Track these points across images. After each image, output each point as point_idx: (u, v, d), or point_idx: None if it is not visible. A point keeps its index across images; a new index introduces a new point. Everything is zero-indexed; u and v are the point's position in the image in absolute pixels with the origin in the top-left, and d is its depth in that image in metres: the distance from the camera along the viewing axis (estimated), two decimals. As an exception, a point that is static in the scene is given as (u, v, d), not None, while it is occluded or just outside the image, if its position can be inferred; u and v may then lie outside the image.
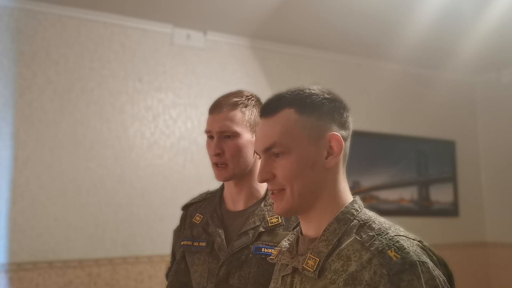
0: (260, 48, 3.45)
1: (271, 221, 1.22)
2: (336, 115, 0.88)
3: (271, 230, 1.21)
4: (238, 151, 1.23)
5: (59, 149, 2.79)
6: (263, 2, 2.83)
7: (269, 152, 0.88)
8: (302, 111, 0.87)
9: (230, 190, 1.31)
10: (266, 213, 1.24)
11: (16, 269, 2.61)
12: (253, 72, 3.40)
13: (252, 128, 1.26)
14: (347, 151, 0.91)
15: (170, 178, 3.04)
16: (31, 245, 2.66)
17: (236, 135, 1.23)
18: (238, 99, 1.26)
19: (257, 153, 0.92)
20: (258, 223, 1.22)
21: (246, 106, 1.26)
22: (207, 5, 2.88)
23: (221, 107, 1.25)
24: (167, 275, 1.38)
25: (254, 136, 1.26)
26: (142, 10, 2.95)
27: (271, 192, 0.90)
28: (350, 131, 0.91)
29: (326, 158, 0.86)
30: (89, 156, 2.86)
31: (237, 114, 1.24)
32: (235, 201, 1.30)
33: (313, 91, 0.89)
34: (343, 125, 0.89)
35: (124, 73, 3.02)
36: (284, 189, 0.87)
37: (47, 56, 2.83)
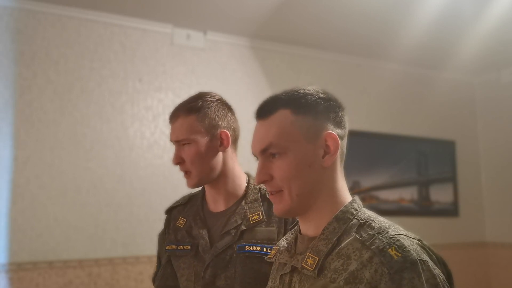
0: (260, 48, 3.45)
1: (253, 218, 1.22)
2: (331, 114, 0.88)
3: (253, 227, 1.22)
4: (196, 157, 1.23)
5: (59, 149, 2.79)
6: (263, 2, 2.83)
7: (266, 153, 0.88)
8: (297, 111, 0.87)
9: (209, 192, 1.32)
10: (248, 210, 1.24)
11: (16, 269, 2.61)
12: (253, 72, 3.40)
13: (209, 131, 1.25)
14: (344, 149, 0.91)
15: (170, 178, 3.03)
16: (31, 245, 2.66)
17: (191, 142, 1.23)
18: (193, 104, 1.26)
19: (254, 155, 0.92)
20: (240, 222, 1.22)
21: (198, 111, 1.25)
22: (207, 5, 2.88)
23: (175, 116, 1.27)
24: (153, 280, 1.37)
25: (213, 139, 1.24)
26: (142, 10, 2.95)
27: (270, 193, 0.91)
28: (347, 129, 0.91)
29: (323, 157, 0.86)
30: (89, 156, 2.86)
31: (190, 121, 1.24)
32: (216, 202, 1.30)
33: (307, 91, 0.89)
34: (338, 124, 0.89)
35: (124, 73, 3.02)
36: (282, 191, 0.87)
37: (47, 56, 2.83)
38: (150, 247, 2.91)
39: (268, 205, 1.24)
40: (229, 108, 1.32)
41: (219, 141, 1.26)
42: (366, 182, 3.71)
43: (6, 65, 2.73)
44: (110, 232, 2.85)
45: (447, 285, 0.76)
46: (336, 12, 2.96)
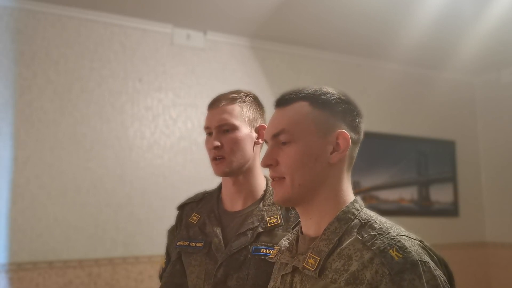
0: (260, 48, 3.45)
1: (270, 221, 1.21)
2: (348, 116, 0.90)
3: (270, 231, 1.20)
4: (237, 144, 1.23)
5: (59, 149, 2.79)
6: (263, 2, 2.83)
7: (277, 139, 0.90)
8: (315, 105, 0.89)
9: (228, 189, 1.30)
10: (265, 213, 1.23)
11: (16, 269, 2.61)
12: (253, 72, 3.40)
13: (251, 123, 1.28)
14: (354, 155, 0.92)
15: (170, 178, 3.03)
16: (31, 245, 2.66)
17: (234, 128, 1.24)
18: (236, 95, 1.29)
19: (265, 141, 0.94)
20: (256, 224, 1.21)
21: (244, 102, 1.28)
22: (207, 5, 2.88)
23: (220, 101, 1.28)
24: (160, 276, 1.36)
25: (253, 131, 1.28)
26: (142, 10, 2.95)
27: (272, 179, 0.91)
28: (361, 136, 0.92)
29: (331, 153, 0.87)
30: (89, 156, 2.85)
31: (235, 108, 1.26)
32: (233, 201, 1.29)
33: (329, 91, 0.92)
34: (354, 129, 0.90)
35: (124, 73, 3.01)
36: (284, 178, 0.88)
37: (47, 56, 2.83)
38: (150, 247, 2.91)
39: (286, 209, 1.24)
40: (263, 107, 1.36)
41: (257, 134, 1.29)
42: (366, 182, 3.71)
43: (6, 65, 2.73)
44: (110, 232, 2.85)
45: (448, 286, 0.76)
46: (336, 12, 2.96)
